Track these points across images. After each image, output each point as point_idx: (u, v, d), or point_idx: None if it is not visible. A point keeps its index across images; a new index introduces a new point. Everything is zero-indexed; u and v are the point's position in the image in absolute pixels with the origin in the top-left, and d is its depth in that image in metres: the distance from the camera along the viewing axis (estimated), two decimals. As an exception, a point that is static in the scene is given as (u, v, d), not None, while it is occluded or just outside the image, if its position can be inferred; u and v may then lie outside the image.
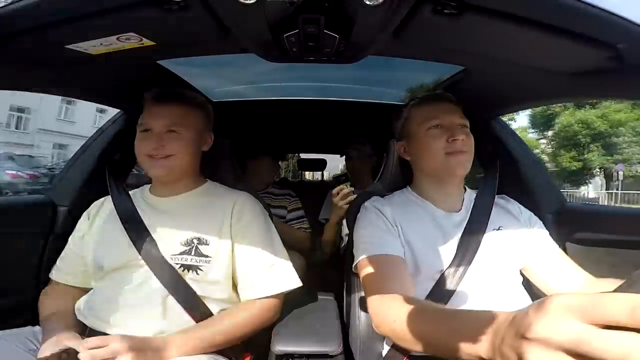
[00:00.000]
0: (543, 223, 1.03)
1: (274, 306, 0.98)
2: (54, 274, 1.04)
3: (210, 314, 0.92)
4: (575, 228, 1.21)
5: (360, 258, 0.91)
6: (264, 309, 0.96)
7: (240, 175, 1.25)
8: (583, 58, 0.77)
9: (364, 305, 1.00)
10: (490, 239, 0.93)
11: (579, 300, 0.31)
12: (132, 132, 1.02)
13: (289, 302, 1.05)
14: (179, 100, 1.00)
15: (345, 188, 1.52)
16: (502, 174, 1.09)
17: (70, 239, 1.06)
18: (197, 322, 0.90)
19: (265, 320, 0.97)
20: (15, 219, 1.20)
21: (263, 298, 0.96)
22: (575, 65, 0.82)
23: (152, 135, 0.96)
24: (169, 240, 0.94)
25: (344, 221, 1.50)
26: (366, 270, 0.88)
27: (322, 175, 4.05)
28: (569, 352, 0.31)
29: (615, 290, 0.32)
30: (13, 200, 1.31)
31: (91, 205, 1.10)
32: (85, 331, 0.91)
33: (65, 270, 1.04)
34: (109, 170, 1.12)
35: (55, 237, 1.24)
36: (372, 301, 0.81)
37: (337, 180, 1.50)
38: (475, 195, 1.04)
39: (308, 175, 7.24)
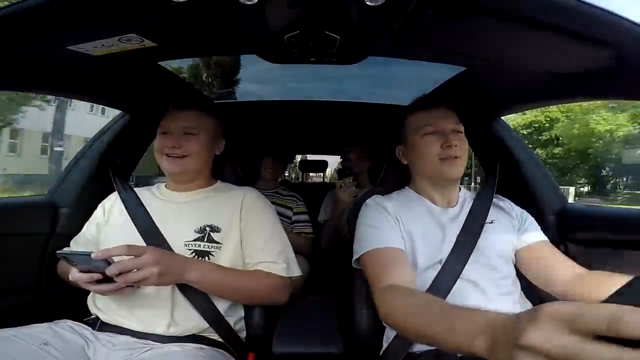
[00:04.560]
0: (544, 224, 1.03)
1: (281, 286, 1.01)
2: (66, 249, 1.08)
3: (215, 308, 0.95)
4: (577, 229, 1.21)
5: (363, 252, 0.93)
6: (273, 283, 1.00)
7: (241, 178, 1.26)
8: (584, 58, 0.77)
9: (365, 306, 1.00)
10: (484, 232, 0.95)
11: (568, 311, 0.33)
12: (133, 132, 1.03)
13: (290, 303, 1.05)
14: (195, 105, 1.07)
15: (349, 182, 1.65)
16: (504, 175, 1.09)
17: (85, 226, 1.11)
18: (203, 317, 0.93)
19: (275, 294, 1.01)
20: (17, 219, 1.20)
21: (273, 274, 1.00)
22: (576, 66, 0.82)
23: (171, 136, 1.03)
24: (183, 229, 0.99)
25: (344, 221, 1.52)
26: (369, 263, 0.91)
27: (324, 176, 4.06)
28: None
29: (606, 300, 0.33)
30: (14, 201, 1.31)
31: (107, 197, 1.14)
32: (97, 323, 0.94)
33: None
34: (112, 170, 1.13)
35: (56, 238, 1.24)
36: (377, 293, 0.83)
37: (341, 174, 1.57)
38: (467, 193, 1.08)
39: (310, 175, 7.26)
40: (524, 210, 1.06)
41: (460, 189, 1.08)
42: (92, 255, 0.78)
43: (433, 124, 0.98)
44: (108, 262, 0.80)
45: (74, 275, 0.84)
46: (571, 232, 1.20)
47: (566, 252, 0.97)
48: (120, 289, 0.85)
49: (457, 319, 0.55)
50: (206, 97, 1.08)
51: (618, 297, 0.32)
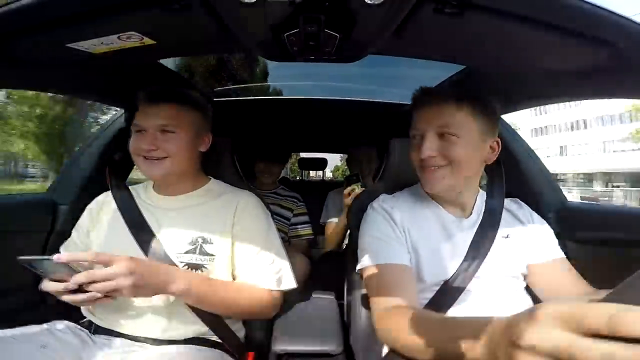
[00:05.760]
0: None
1: (271, 300, 0.97)
2: None
3: (212, 312, 0.93)
4: (576, 227, 1.21)
5: (366, 265, 0.89)
6: (261, 298, 0.96)
7: (242, 175, 1.26)
8: (584, 57, 0.77)
9: (364, 305, 1.00)
10: (497, 249, 0.91)
11: (566, 310, 0.33)
12: (132, 131, 1.02)
13: (290, 302, 1.05)
14: (173, 99, 0.97)
15: (357, 189, 1.54)
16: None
17: (74, 231, 1.07)
18: (201, 320, 0.91)
19: (263, 309, 0.97)
20: (16, 217, 1.20)
21: (262, 288, 0.97)
22: (576, 64, 0.82)
23: (146, 136, 0.94)
24: (175, 240, 0.95)
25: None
26: (371, 278, 0.87)
27: (323, 174, 4.05)
28: None
29: (603, 300, 0.33)
30: (14, 199, 1.31)
31: (94, 200, 1.09)
32: (92, 327, 0.93)
33: None
34: (110, 168, 1.12)
35: (56, 236, 1.24)
36: (376, 311, 0.81)
37: (349, 180, 1.53)
38: (485, 197, 1.00)
39: (311, 174, 7.24)
40: (545, 222, 1.00)
41: (479, 191, 0.99)
42: (54, 258, 0.71)
43: (417, 127, 0.90)
44: (75, 269, 0.74)
45: (46, 285, 0.79)
46: (570, 230, 1.20)
47: (565, 251, 0.97)
48: (98, 300, 0.77)
49: (456, 328, 0.55)
50: (184, 89, 1.02)
51: (617, 296, 0.32)
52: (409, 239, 0.91)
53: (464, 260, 0.88)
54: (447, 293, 0.86)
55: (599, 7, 0.59)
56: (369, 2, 0.60)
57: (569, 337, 0.31)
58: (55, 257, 0.71)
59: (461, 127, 0.85)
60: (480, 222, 0.93)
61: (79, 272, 0.74)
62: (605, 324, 0.29)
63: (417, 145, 0.88)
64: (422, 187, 0.93)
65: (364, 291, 0.99)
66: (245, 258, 0.98)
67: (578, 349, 0.30)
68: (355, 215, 1.07)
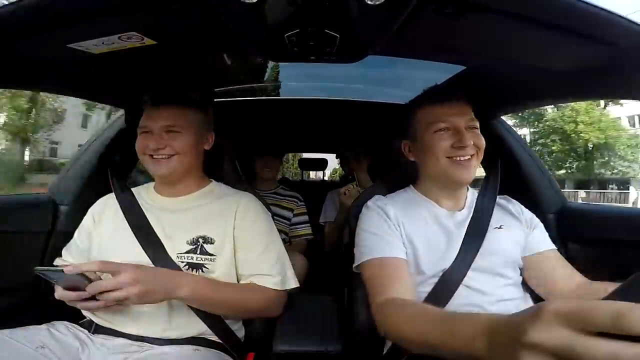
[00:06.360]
0: (544, 223, 1.03)
1: (275, 300, 0.99)
2: (58, 262, 1.06)
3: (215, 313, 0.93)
4: (577, 228, 1.21)
5: (363, 260, 0.91)
6: (266, 297, 0.97)
7: (241, 175, 1.26)
8: (584, 57, 0.77)
9: (365, 305, 1.00)
10: (491, 238, 0.92)
11: (570, 308, 0.33)
12: (133, 131, 1.03)
13: (290, 302, 1.05)
14: (177, 101, 1.00)
15: (353, 188, 1.57)
16: (503, 174, 1.09)
17: (76, 233, 1.07)
18: (201, 319, 0.91)
19: (266, 308, 0.98)
20: (17, 217, 1.20)
21: (266, 288, 0.98)
22: (576, 65, 0.82)
23: (153, 136, 0.97)
24: (176, 240, 0.96)
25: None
26: (369, 272, 0.89)
27: (323, 174, 4.05)
28: (560, 358, 0.32)
29: (608, 297, 0.33)
30: (14, 199, 1.31)
31: (96, 202, 1.10)
32: (92, 327, 0.93)
33: (70, 260, 1.05)
34: (111, 170, 1.12)
35: (56, 236, 1.24)
36: (375, 305, 0.82)
37: (344, 180, 1.53)
38: (475, 193, 1.03)
39: (311, 174, 7.24)
40: (534, 216, 1.03)
41: (468, 188, 1.03)
42: (65, 270, 0.74)
43: (446, 120, 0.91)
44: (87, 278, 0.77)
45: (59, 293, 0.82)
46: (571, 231, 1.20)
47: (566, 251, 0.97)
48: (110, 307, 0.82)
49: (456, 324, 0.55)
50: (187, 91, 1.05)
51: (620, 294, 0.33)
52: (403, 232, 0.93)
53: (460, 251, 0.90)
54: (446, 285, 0.87)
55: (599, 7, 0.59)
56: (369, 2, 0.60)
57: (573, 335, 0.31)
58: (66, 269, 0.74)
59: (477, 123, 0.94)
60: (473, 214, 0.96)
61: (91, 279, 0.77)
62: (610, 322, 0.29)
63: (447, 137, 0.91)
64: (450, 178, 0.93)
65: (364, 291, 0.99)
66: (248, 259, 0.99)
67: (583, 348, 0.30)
68: (355, 216, 1.07)
